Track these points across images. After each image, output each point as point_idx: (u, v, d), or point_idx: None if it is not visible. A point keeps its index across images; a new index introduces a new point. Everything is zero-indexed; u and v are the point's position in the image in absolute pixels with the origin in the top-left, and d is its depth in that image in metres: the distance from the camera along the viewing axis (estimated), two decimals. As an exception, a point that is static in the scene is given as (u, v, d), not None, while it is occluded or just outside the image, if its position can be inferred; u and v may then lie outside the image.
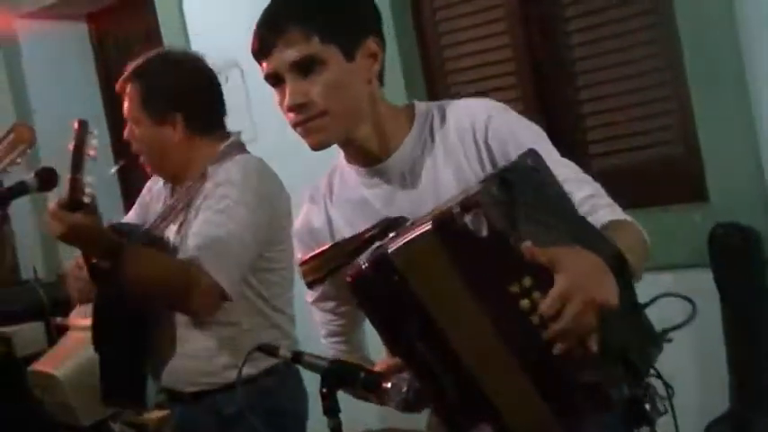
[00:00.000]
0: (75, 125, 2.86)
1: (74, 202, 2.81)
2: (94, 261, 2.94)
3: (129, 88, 3.25)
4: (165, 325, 3.25)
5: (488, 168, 2.37)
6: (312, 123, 2.34)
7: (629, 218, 2.32)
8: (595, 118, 4.33)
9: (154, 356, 3.28)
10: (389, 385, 2.15)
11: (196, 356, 3.24)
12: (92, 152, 2.86)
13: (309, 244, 2.53)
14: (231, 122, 5.37)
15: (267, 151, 5.09)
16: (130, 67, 3.29)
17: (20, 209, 6.31)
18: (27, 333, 5.24)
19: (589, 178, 2.38)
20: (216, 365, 3.21)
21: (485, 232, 1.97)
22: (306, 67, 2.32)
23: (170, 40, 5.66)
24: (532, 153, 2.19)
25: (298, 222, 2.62)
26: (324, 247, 2.43)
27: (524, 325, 1.98)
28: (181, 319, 3.22)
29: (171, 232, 3.24)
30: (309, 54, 2.31)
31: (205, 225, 3.10)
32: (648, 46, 4.13)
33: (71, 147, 2.84)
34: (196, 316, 3.17)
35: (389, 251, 2.11)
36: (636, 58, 4.16)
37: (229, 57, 5.33)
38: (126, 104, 3.26)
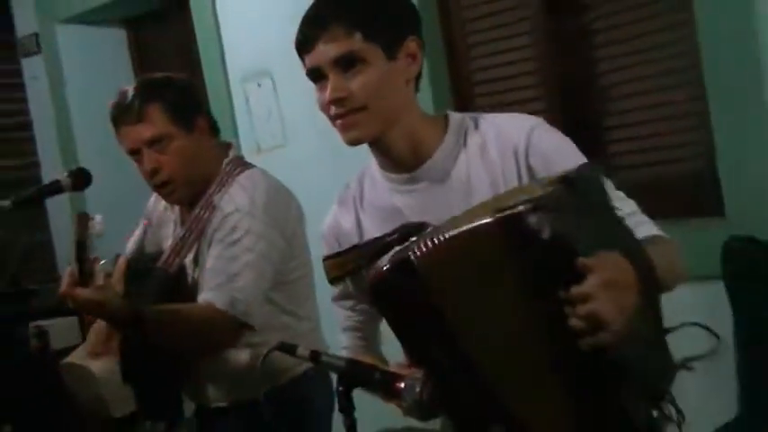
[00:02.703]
0: (76, 219, 2.91)
1: (83, 280, 2.88)
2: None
3: (147, 112, 3.21)
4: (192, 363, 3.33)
5: (524, 176, 2.38)
6: (351, 118, 2.36)
7: (666, 235, 2.35)
8: (618, 132, 4.34)
9: (187, 380, 3.36)
10: (403, 385, 2.15)
11: (229, 376, 3.29)
12: (97, 232, 2.92)
13: (335, 245, 2.56)
14: (262, 128, 5.42)
15: (296, 156, 5.15)
16: (124, 101, 3.25)
17: (57, 209, 6.37)
18: (62, 327, 5.28)
19: (623, 195, 2.39)
20: (248, 382, 3.21)
21: (547, 235, 1.98)
22: (348, 63, 2.33)
23: (205, 48, 5.71)
24: (588, 165, 2.22)
25: (326, 223, 2.64)
26: (345, 248, 2.47)
27: (561, 330, 1.97)
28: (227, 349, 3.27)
29: (188, 262, 3.27)
30: (351, 50, 2.33)
31: (219, 261, 3.15)
32: (670, 61, 4.12)
33: (74, 238, 2.90)
34: (220, 349, 3.23)
35: (411, 255, 2.11)
36: (658, 73, 4.16)
37: (261, 65, 5.34)
38: (146, 130, 3.22)
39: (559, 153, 2.37)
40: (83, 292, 2.88)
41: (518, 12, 4.57)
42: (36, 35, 6.87)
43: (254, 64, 5.39)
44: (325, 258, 2.49)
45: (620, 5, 4.24)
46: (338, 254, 2.47)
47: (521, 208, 1.98)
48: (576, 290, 1.93)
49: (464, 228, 2.07)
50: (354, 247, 2.46)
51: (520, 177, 2.39)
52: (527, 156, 2.38)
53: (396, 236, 2.30)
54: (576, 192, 2.04)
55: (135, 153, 3.27)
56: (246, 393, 3.22)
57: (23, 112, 7.10)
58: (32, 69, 6.99)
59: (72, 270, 2.90)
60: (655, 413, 2.20)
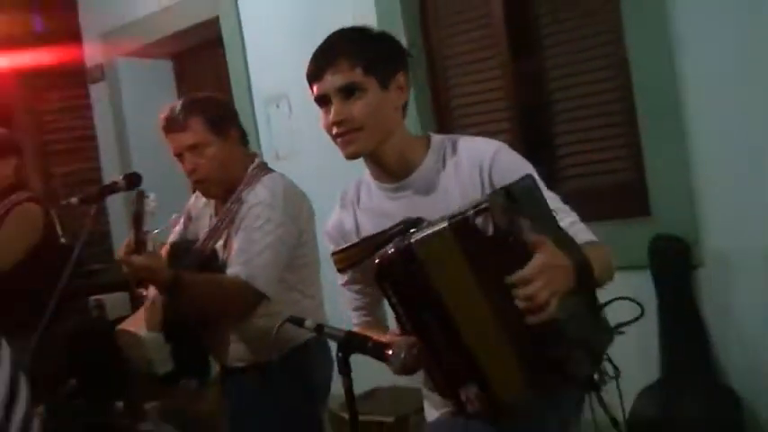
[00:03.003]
0: (135, 196, 2.90)
1: (137, 249, 2.87)
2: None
3: (190, 123, 3.22)
4: (222, 321, 3.31)
5: (487, 190, 2.38)
6: (350, 136, 2.38)
7: (599, 241, 2.36)
8: (566, 148, 4.33)
9: (213, 343, 3.36)
10: (391, 352, 2.16)
11: (248, 340, 3.27)
12: (151, 209, 2.91)
13: (340, 241, 2.56)
14: (279, 141, 5.43)
15: (307, 164, 5.16)
16: (172, 114, 3.26)
17: (115, 204, 6.36)
18: (116, 301, 5.28)
19: (568, 207, 2.41)
20: (263, 345, 3.21)
21: (491, 231, 1.98)
22: (349, 92, 2.35)
23: (235, 76, 5.72)
24: (530, 176, 2.22)
25: (330, 223, 2.64)
26: (354, 242, 2.47)
27: (514, 308, 1.97)
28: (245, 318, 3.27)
29: (219, 246, 3.26)
30: (353, 81, 2.35)
31: (245, 243, 3.15)
32: (609, 94, 4.13)
33: (133, 209, 2.90)
34: (242, 317, 3.21)
35: (413, 241, 2.14)
36: (600, 102, 4.16)
37: (281, 90, 5.37)
38: (189, 137, 3.23)
39: (517, 171, 2.35)
40: (137, 259, 2.87)
41: (489, 52, 4.56)
42: (101, 65, 6.88)
43: (274, 89, 5.41)
44: (334, 253, 2.50)
45: (570, 48, 4.25)
46: (345, 248, 2.47)
47: (469, 213, 2.02)
48: (516, 275, 1.95)
49: (431, 230, 2.11)
50: (360, 241, 2.46)
51: (483, 188, 2.40)
52: (491, 173, 2.40)
53: (398, 228, 2.31)
54: (513, 197, 2.06)
55: (179, 156, 3.28)
56: (261, 356, 3.23)
57: (89, 127, 7.10)
58: (97, 93, 7.00)
59: (129, 241, 2.89)
60: (596, 375, 2.22)
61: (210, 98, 3.41)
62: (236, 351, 3.31)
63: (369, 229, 2.49)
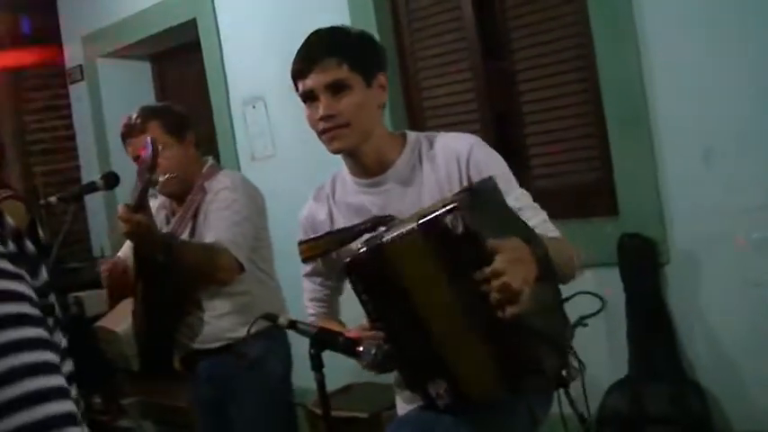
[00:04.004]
0: (149, 142, 2.92)
1: (138, 206, 2.88)
2: (144, 258, 3.04)
3: (148, 127, 3.30)
4: (192, 310, 3.35)
5: (464, 184, 2.39)
6: (336, 131, 2.38)
7: (564, 239, 2.38)
8: (537, 148, 4.32)
9: (189, 325, 3.37)
10: (362, 348, 2.15)
11: (221, 318, 3.31)
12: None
13: (310, 232, 2.56)
14: (255, 142, 5.42)
15: (283, 163, 5.15)
16: (130, 121, 3.37)
17: (94, 203, 6.33)
18: (94, 298, 5.24)
19: (537, 206, 2.43)
20: (235, 324, 3.28)
21: (460, 230, 1.98)
22: (336, 89, 2.36)
23: (212, 78, 5.70)
24: (492, 178, 2.24)
25: (303, 213, 2.63)
26: (321, 234, 2.47)
27: (484, 304, 1.98)
28: (207, 293, 3.32)
29: (185, 236, 3.31)
30: (340, 78, 2.36)
31: (218, 220, 3.21)
32: (577, 95, 4.13)
33: (146, 161, 2.90)
34: (223, 284, 3.24)
35: (383, 241, 2.14)
36: (569, 104, 4.16)
37: (257, 91, 5.35)
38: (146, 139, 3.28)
39: (491, 166, 2.40)
40: (139, 216, 2.89)
41: (460, 54, 4.55)
42: (81, 66, 6.87)
43: (251, 91, 5.39)
44: (301, 242, 2.51)
45: (539, 51, 4.24)
46: (313, 238, 2.48)
47: (438, 212, 2.03)
48: (488, 269, 1.95)
49: (401, 230, 2.11)
50: (328, 233, 2.46)
51: (461, 181, 2.41)
52: (468, 167, 2.41)
53: (367, 225, 2.32)
54: (479, 197, 2.09)
55: (137, 159, 3.28)
56: (225, 337, 3.32)
57: (69, 127, 7.09)
58: (77, 93, 6.98)
59: (127, 203, 2.92)
60: (564, 372, 2.21)
61: (167, 106, 3.53)
62: (213, 331, 3.33)
63: (342, 222, 2.50)
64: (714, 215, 3.56)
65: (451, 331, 2.14)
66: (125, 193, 3.58)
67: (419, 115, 4.71)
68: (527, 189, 2.47)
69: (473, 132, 4.28)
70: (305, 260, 2.53)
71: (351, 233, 2.37)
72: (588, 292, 2.28)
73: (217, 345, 3.34)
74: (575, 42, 4.10)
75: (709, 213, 3.58)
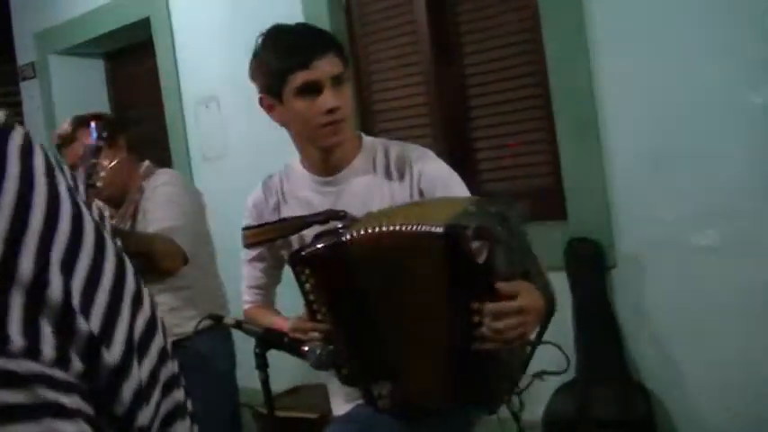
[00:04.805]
0: (93, 128, 2.95)
1: (88, 185, 2.88)
2: None
3: (77, 135, 3.34)
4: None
5: (416, 197, 2.38)
6: (341, 124, 2.38)
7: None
8: (486, 152, 4.32)
9: None
10: (307, 348, 2.13)
11: (169, 313, 3.28)
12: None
13: (256, 219, 2.55)
14: (208, 142, 5.39)
15: (235, 163, 5.12)
16: (63, 132, 3.40)
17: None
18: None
19: None
20: (182, 319, 3.27)
21: (482, 260, 1.94)
22: (339, 81, 2.37)
23: (165, 77, 5.64)
24: (516, 203, 2.22)
25: (251, 199, 2.62)
26: (268, 221, 2.45)
27: (469, 329, 1.96)
28: (151, 289, 3.23)
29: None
30: (342, 71, 2.38)
31: (159, 211, 3.24)
32: (527, 100, 4.13)
33: (90, 145, 2.94)
34: (169, 273, 3.22)
35: (345, 239, 2.11)
36: (520, 110, 4.16)
37: (209, 92, 5.31)
38: (78, 146, 3.30)
39: (443, 179, 2.41)
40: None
41: (413, 58, 4.53)
42: (33, 63, 6.77)
43: (204, 91, 5.35)
44: (246, 228, 2.49)
45: (491, 57, 4.24)
46: (258, 225, 2.47)
47: (468, 231, 1.95)
48: (491, 306, 1.93)
49: (413, 227, 2.05)
50: (275, 221, 2.44)
51: (411, 193, 2.40)
52: (420, 180, 2.41)
53: (319, 218, 2.29)
54: (507, 226, 2.04)
55: (74, 166, 3.28)
56: (173, 333, 3.25)
57: (20, 124, 6.97)
58: (29, 91, 6.88)
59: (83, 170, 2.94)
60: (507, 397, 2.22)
61: (97, 114, 3.51)
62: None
63: (288, 213, 2.49)
64: (661, 221, 3.58)
65: (412, 339, 2.12)
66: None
67: (370, 119, 4.69)
68: (476, 193, 2.47)
69: (423, 136, 4.33)
70: (247, 246, 2.51)
71: (299, 223, 2.35)
72: (555, 345, 2.26)
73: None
74: (526, 48, 4.10)
75: (656, 219, 3.60)
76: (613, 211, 3.72)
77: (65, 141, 3.38)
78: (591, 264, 3.75)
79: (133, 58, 6.41)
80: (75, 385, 0.80)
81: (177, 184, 3.34)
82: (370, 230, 2.09)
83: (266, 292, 2.66)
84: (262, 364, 2.14)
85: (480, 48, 4.28)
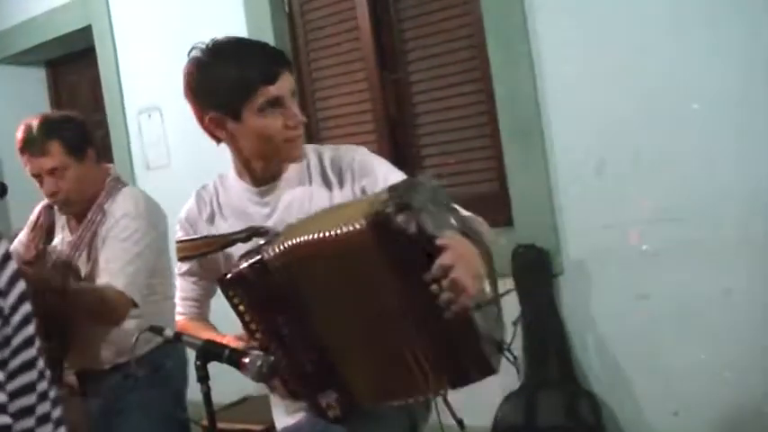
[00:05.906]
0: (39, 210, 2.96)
1: (38, 258, 2.99)
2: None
3: (49, 148, 3.16)
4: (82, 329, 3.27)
5: (357, 194, 2.35)
6: (300, 138, 2.37)
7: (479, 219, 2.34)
8: (431, 159, 4.30)
9: (82, 348, 3.29)
10: (247, 360, 2.08)
11: (113, 342, 3.23)
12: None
13: (190, 231, 2.49)
14: (150, 152, 5.33)
15: (178, 173, 5.06)
16: (29, 134, 3.19)
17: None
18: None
19: None
20: (128, 346, 3.13)
21: (413, 229, 1.90)
22: (293, 95, 2.34)
23: (108, 86, 5.58)
24: (423, 176, 2.21)
25: (185, 212, 2.54)
26: (197, 236, 2.40)
27: (433, 304, 1.91)
28: None
29: (82, 261, 3.22)
30: (294, 87, 2.35)
31: (117, 252, 3.14)
32: (472, 107, 4.11)
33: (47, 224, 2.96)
34: (116, 324, 3.15)
35: (265, 257, 2.05)
36: (464, 116, 4.15)
37: (153, 101, 5.27)
38: (48, 162, 3.17)
39: (375, 169, 2.37)
40: (33, 271, 2.95)
41: (357, 65, 4.50)
42: (-28, 72, 6.63)
43: (147, 100, 5.30)
44: (180, 241, 2.42)
45: (435, 63, 4.22)
46: (192, 239, 2.40)
47: (389, 209, 1.92)
48: (436, 266, 1.88)
49: (333, 232, 1.98)
50: (206, 236, 2.39)
51: (353, 190, 2.37)
52: (360, 178, 2.37)
53: (242, 235, 2.24)
54: (420, 193, 2.01)
55: (37, 176, 3.23)
56: (123, 357, 3.21)
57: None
58: (-32, 100, 6.73)
59: (33, 249, 3.01)
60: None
61: (67, 119, 3.33)
62: (105, 354, 3.26)
63: (223, 225, 2.44)
64: (606, 228, 3.58)
65: (348, 344, 2.07)
66: (16, 202, 3.49)
67: (314, 126, 4.64)
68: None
69: (367, 143, 4.29)
70: (181, 259, 2.45)
71: (223, 242, 2.29)
72: (510, 353, 2.20)
73: (107, 366, 3.28)
74: (470, 55, 4.08)
75: (602, 226, 3.59)
76: (559, 217, 3.72)
77: (30, 149, 3.18)
78: (537, 270, 3.74)
79: (75, 66, 6.32)
80: None
81: (140, 216, 3.20)
82: (290, 243, 2.04)
83: (200, 304, 2.59)
84: (203, 377, 2.09)
85: (424, 54, 4.26)
